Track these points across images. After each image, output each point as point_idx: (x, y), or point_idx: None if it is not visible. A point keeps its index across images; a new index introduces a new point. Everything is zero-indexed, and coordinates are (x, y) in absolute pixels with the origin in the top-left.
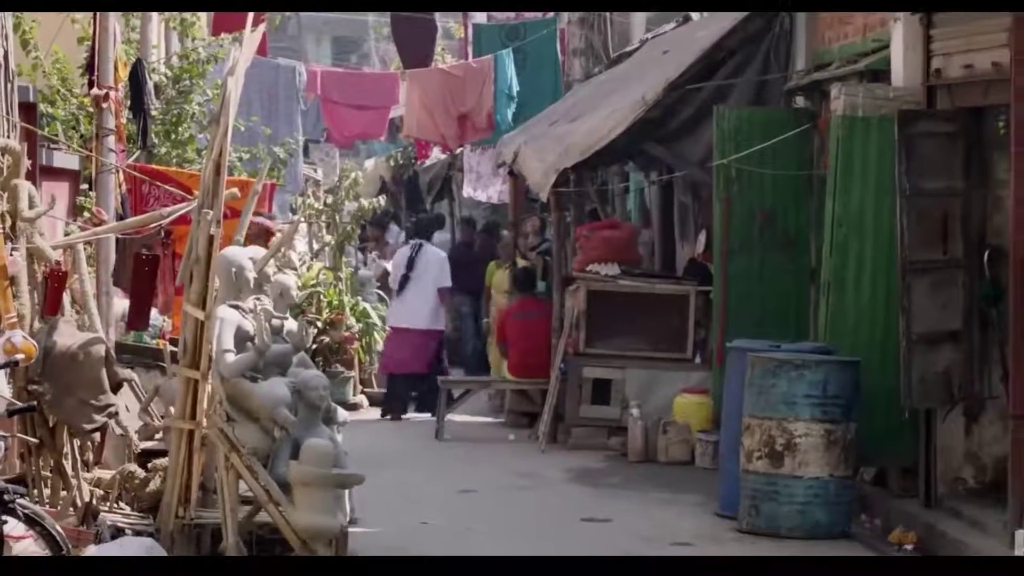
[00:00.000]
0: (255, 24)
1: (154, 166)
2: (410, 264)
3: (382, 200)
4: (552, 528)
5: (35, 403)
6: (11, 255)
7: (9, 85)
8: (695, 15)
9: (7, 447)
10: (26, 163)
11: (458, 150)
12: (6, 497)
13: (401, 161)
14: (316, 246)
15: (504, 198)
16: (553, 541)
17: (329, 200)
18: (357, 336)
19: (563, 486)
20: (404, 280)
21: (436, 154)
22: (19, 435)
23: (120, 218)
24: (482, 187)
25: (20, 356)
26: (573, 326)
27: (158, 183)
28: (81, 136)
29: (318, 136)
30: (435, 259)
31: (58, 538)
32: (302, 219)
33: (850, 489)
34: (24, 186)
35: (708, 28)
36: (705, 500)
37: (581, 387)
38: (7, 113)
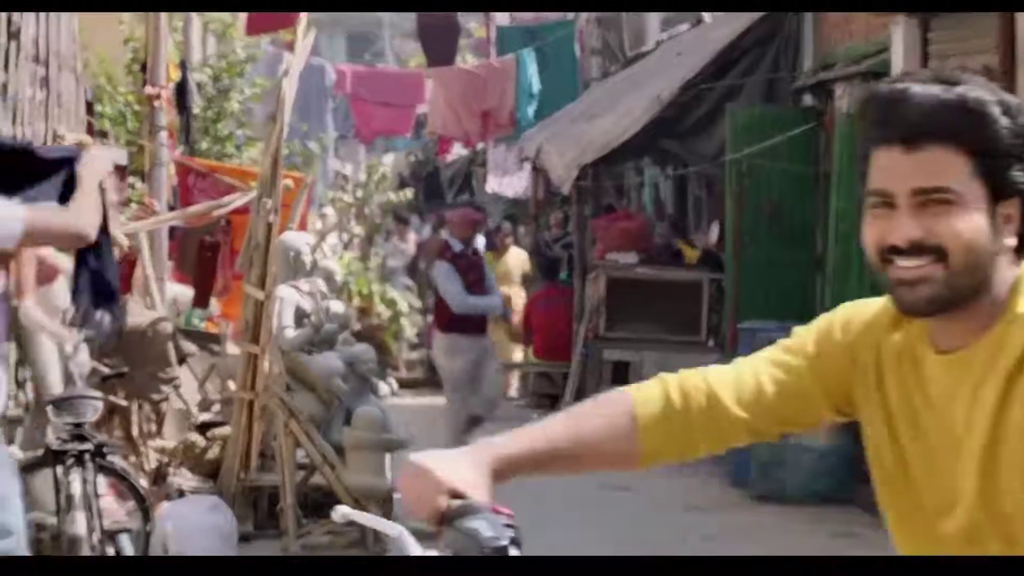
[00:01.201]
0: (292, 26)
1: (198, 160)
2: None
3: (409, 193)
4: (574, 495)
5: (124, 369)
6: None
7: (78, 84)
8: (707, 17)
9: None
10: None
11: (479, 146)
12: (105, 450)
13: (421, 157)
14: (346, 237)
15: (528, 193)
16: (576, 507)
17: (359, 194)
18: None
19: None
20: None
21: (457, 150)
22: (110, 399)
23: (171, 209)
24: (507, 182)
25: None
26: (594, 312)
27: (217, 175)
28: (128, 132)
29: (346, 132)
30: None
31: (143, 493)
32: (335, 212)
33: (854, 459)
34: None
35: (720, 30)
36: (717, 471)
37: (601, 369)
38: (76, 109)
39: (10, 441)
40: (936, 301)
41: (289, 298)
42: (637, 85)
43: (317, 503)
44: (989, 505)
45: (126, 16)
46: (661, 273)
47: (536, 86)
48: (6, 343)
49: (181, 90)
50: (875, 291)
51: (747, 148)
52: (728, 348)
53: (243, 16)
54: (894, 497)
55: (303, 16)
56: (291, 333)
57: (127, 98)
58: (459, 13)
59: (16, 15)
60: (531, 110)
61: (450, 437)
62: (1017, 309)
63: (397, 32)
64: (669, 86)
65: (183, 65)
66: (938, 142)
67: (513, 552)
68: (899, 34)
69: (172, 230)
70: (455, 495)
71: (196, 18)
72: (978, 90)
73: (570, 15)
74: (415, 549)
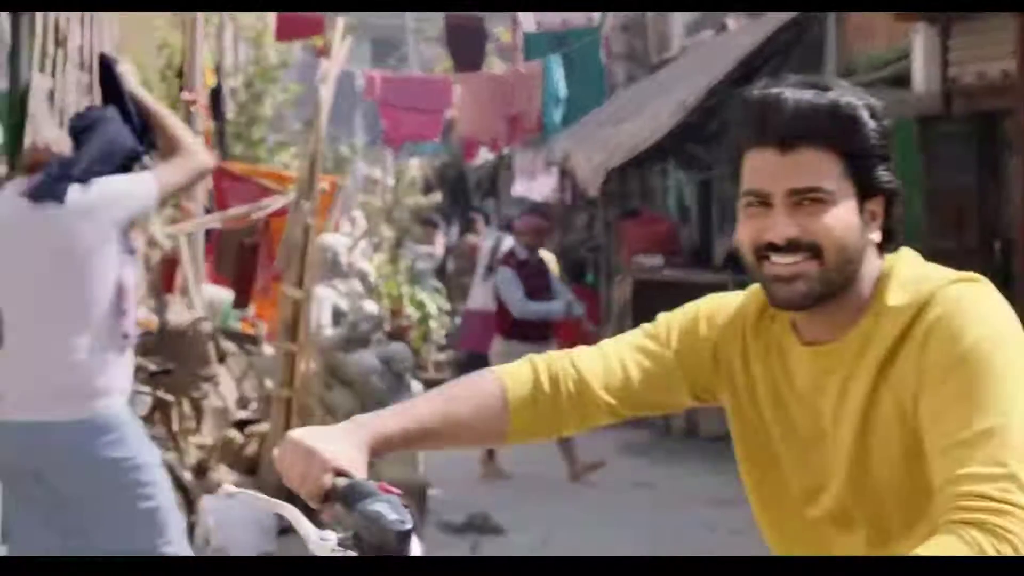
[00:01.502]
0: (317, 33)
1: (238, 165)
2: (493, 253)
3: (438, 197)
4: (603, 491)
5: (171, 366)
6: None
7: None
8: (732, 24)
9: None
10: None
11: (505, 150)
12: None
13: (447, 160)
14: (376, 240)
15: (555, 196)
16: (603, 502)
17: (388, 198)
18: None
19: (612, 457)
20: (488, 269)
21: (483, 153)
22: (157, 394)
23: (207, 212)
24: (534, 186)
25: (145, 329)
26: (620, 314)
27: (254, 179)
28: None
29: (375, 137)
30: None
31: (188, 487)
32: (363, 216)
33: None
34: None
35: (744, 37)
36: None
37: None
38: None
39: None
40: (811, 296)
41: (327, 298)
42: (663, 90)
43: None
44: (858, 491)
45: (160, 22)
46: (687, 275)
47: (563, 91)
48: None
49: (215, 96)
50: None
51: None
52: None
53: (273, 22)
54: (761, 482)
55: (339, 23)
56: (329, 332)
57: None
58: (485, 19)
59: (63, 23)
60: (558, 115)
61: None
62: (886, 302)
63: (421, 37)
64: (694, 91)
65: (218, 70)
66: (811, 144)
67: (415, 537)
68: (919, 41)
69: (208, 232)
70: (338, 473)
71: (229, 24)
72: (848, 95)
73: (596, 21)
74: (311, 529)
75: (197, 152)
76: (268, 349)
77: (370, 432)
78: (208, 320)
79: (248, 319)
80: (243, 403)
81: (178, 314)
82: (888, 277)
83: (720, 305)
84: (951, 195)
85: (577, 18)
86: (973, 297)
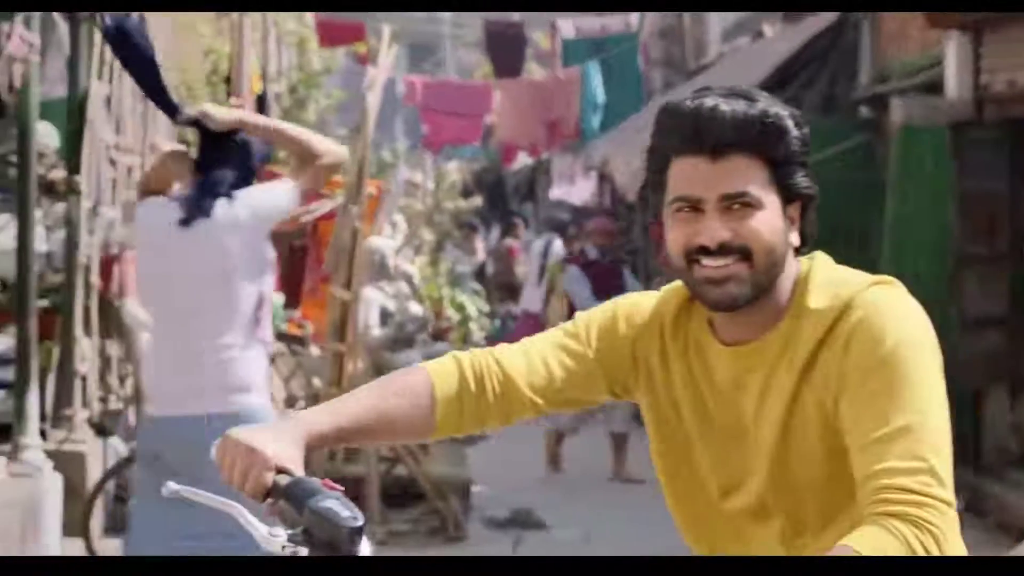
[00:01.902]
0: (359, 39)
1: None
2: (544, 256)
3: (478, 200)
4: (646, 488)
5: None
6: None
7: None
8: (768, 31)
9: None
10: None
11: (544, 155)
12: None
13: (486, 164)
14: (416, 243)
15: (594, 200)
16: (646, 500)
17: (428, 201)
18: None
19: (647, 454)
20: (541, 271)
21: (522, 158)
22: None
23: None
24: (572, 190)
25: None
26: None
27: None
28: None
29: (415, 142)
30: (560, 253)
31: None
32: (404, 219)
33: None
34: None
35: (780, 44)
36: None
37: None
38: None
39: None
40: (741, 297)
41: (375, 299)
42: None
43: (394, 496)
44: (778, 487)
45: (206, 29)
46: None
47: (601, 97)
48: (272, 338)
49: (261, 101)
50: (927, 292)
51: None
52: None
53: (314, 25)
54: (676, 477)
55: (385, 31)
56: (376, 332)
57: None
58: (524, 25)
59: None
60: (596, 120)
61: (547, 439)
62: (806, 305)
63: (460, 43)
64: None
65: (263, 76)
66: (741, 152)
67: (366, 535)
68: (952, 48)
69: None
70: (279, 471)
71: (272, 29)
72: (776, 105)
73: (634, 27)
74: (259, 526)
75: (329, 151)
76: (315, 350)
77: (306, 429)
78: None
79: (294, 320)
80: (291, 402)
81: None
82: (806, 280)
83: (637, 304)
84: (983, 201)
85: (615, 24)
86: (890, 301)
